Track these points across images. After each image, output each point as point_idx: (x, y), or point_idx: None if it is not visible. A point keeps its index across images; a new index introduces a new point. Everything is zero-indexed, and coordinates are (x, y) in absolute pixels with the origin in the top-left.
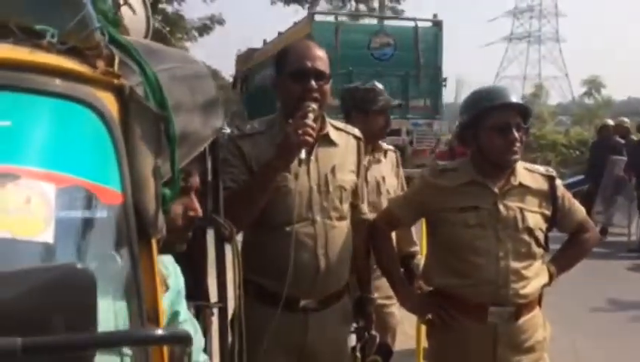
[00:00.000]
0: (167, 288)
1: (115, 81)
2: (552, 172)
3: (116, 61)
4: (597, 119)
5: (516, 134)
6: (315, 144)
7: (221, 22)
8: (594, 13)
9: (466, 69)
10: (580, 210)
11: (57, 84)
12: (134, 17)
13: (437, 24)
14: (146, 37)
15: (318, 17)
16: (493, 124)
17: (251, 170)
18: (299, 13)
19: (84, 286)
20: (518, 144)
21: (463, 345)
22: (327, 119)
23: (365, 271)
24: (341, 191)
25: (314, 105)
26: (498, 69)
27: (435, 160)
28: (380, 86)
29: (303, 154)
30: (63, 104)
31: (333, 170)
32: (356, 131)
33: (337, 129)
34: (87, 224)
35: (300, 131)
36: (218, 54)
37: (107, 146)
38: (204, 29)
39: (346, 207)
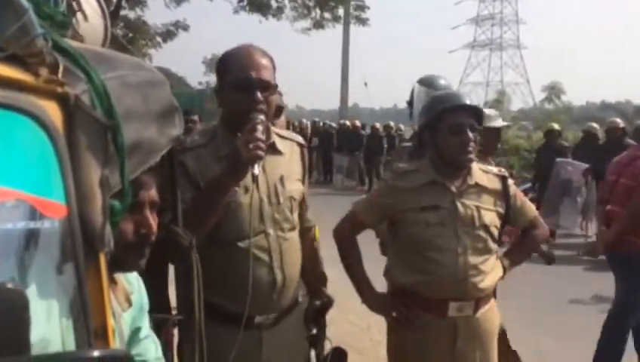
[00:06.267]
0: (130, 304)
1: (59, 90)
2: (505, 172)
3: (60, 68)
4: (557, 124)
5: (470, 135)
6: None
7: (186, 28)
8: (553, 21)
9: None
10: (530, 207)
11: None
12: (91, 25)
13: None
14: (103, 46)
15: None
16: (448, 126)
17: (197, 185)
18: (262, 23)
19: (13, 307)
20: (472, 144)
21: (423, 340)
22: (272, 128)
23: (316, 279)
24: (291, 202)
25: (262, 117)
26: (461, 76)
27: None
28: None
29: (256, 170)
30: (2, 114)
31: (282, 180)
32: (299, 138)
33: (281, 137)
34: (29, 239)
35: (251, 146)
36: (184, 61)
37: (50, 157)
38: (168, 34)
39: (295, 216)
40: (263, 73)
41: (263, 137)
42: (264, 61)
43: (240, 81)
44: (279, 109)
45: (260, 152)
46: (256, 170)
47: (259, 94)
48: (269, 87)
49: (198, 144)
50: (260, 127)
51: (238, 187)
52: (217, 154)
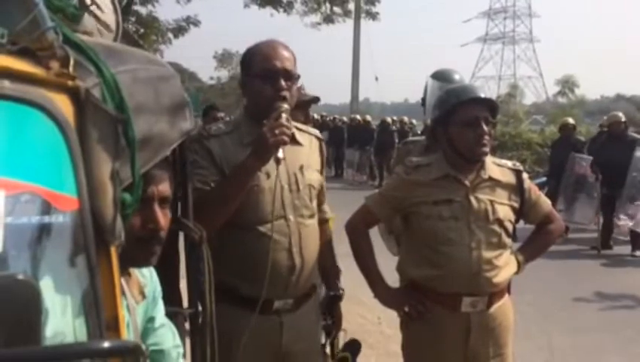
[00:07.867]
0: (144, 297)
1: (70, 83)
2: (519, 166)
3: (71, 62)
4: (571, 118)
5: (485, 128)
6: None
7: (196, 23)
8: (567, 13)
9: None
10: (545, 201)
11: (7, 86)
12: (103, 20)
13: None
14: (115, 41)
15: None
16: (463, 119)
17: (222, 170)
18: (274, 16)
19: (24, 298)
20: (486, 137)
21: (437, 335)
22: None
23: (331, 269)
24: (310, 190)
25: (286, 105)
26: (473, 70)
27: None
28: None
29: (280, 154)
30: (13, 107)
31: (301, 169)
32: (317, 132)
33: (299, 130)
34: (41, 231)
35: (276, 131)
36: (195, 57)
37: (62, 150)
38: (179, 30)
39: (314, 204)
40: (286, 63)
41: (288, 124)
42: (286, 53)
43: (264, 71)
44: (307, 102)
45: (285, 138)
46: (281, 153)
47: (282, 82)
48: (292, 77)
49: (223, 131)
50: (283, 115)
51: (260, 172)
52: (242, 142)
